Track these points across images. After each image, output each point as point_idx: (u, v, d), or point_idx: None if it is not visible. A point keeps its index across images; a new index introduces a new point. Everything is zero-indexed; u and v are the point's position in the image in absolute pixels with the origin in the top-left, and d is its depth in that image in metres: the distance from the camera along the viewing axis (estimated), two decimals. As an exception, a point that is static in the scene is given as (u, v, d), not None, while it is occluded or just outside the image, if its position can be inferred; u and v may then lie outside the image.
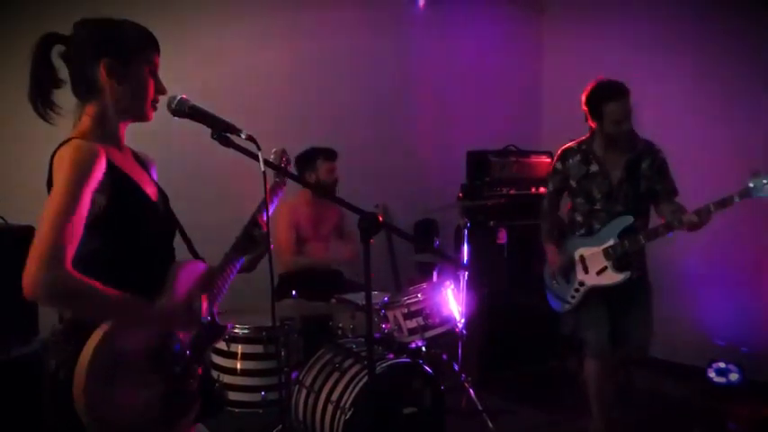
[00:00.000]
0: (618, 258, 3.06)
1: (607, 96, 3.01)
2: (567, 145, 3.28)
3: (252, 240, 1.91)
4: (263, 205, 1.93)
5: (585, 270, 3.15)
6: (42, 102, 1.58)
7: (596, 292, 3.14)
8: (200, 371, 1.70)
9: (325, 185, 3.76)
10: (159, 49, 1.69)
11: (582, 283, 3.16)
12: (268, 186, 1.73)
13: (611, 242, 3.07)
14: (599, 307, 3.13)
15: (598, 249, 3.10)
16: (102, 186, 1.51)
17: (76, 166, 1.46)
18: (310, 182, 3.71)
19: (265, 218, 1.89)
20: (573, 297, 3.19)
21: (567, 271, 3.21)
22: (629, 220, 3.05)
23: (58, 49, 1.60)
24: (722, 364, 4.16)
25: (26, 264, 1.37)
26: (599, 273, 3.11)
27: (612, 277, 3.07)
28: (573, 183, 3.21)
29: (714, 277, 4.41)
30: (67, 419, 1.45)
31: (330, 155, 3.88)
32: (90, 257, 1.49)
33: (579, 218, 3.21)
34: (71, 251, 1.41)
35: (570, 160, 3.22)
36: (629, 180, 3.09)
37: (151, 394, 1.55)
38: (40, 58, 1.58)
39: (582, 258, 3.16)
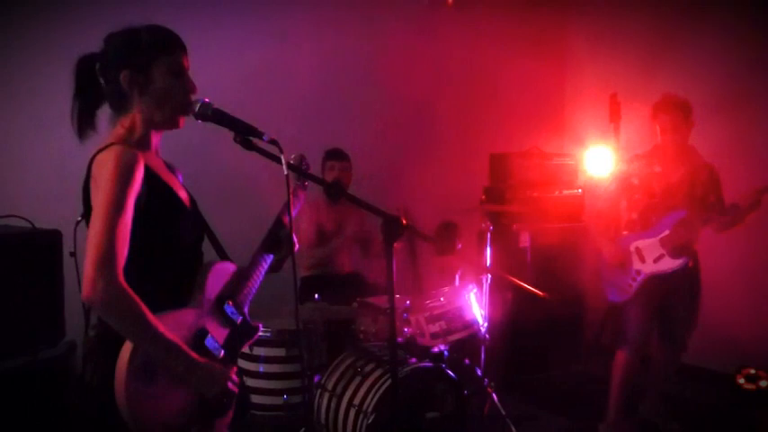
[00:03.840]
0: (675, 246, 3.28)
1: (661, 106, 3.37)
2: (636, 153, 3.60)
3: (278, 241, 1.94)
4: (287, 207, 1.94)
5: (642, 260, 3.35)
6: (86, 122, 1.64)
7: (650, 285, 3.32)
8: (234, 369, 1.72)
9: (339, 185, 3.77)
10: (184, 48, 1.68)
11: (639, 272, 3.35)
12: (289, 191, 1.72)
13: (666, 232, 3.29)
14: (649, 303, 3.34)
15: (655, 239, 3.33)
16: (140, 191, 1.55)
17: (120, 173, 1.49)
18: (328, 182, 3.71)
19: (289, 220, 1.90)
20: (630, 286, 3.37)
21: (624, 266, 3.40)
22: (683, 213, 3.28)
23: (98, 65, 1.64)
24: (752, 371, 4.08)
25: (85, 270, 1.41)
26: (656, 260, 3.32)
27: (671, 263, 3.29)
28: (635, 180, 3.45)
29: (744, 281, 4.32)
30: (100, 422, 1.48)
31: (333, 154, 3.92)
32: (126, 259, 1.51)
33: (635, 215, 3.46)
34: (123, 256, 1.46)
35: (636, 163, 3.50)
36: (689, 182, 3.35)
37: (189, 393, 1.57)
38: (80, 79, 1.63)
39: (637, 249, 3.37)
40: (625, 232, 3.49)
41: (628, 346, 3.34)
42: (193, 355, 1.56)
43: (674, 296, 3.37)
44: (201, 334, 1.65)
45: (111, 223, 1.44)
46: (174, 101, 1.65)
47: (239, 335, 1.79)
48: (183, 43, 1.68)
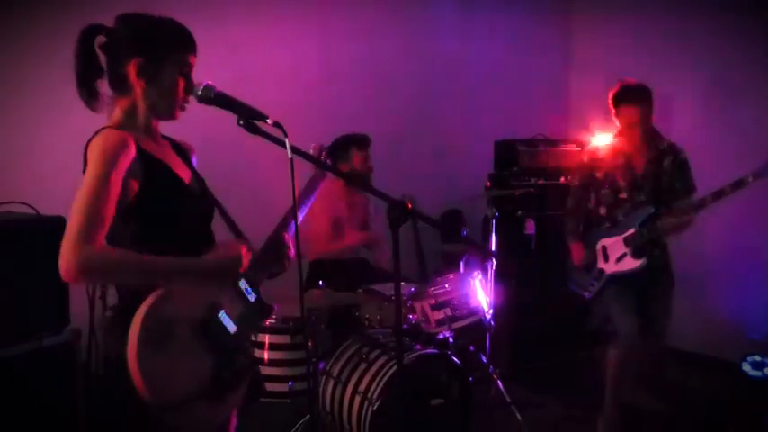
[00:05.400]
0: (637, 246, 3.20)
1: (624, 99, 3.17)
2: (597, 143, 3.48)
3: (276, 257, 1.87)
4: (286, 219, 1.95)
5: (606, 259, 3.31)
6: (87, 91, 1.61)
7: (622, 282, 3.26)
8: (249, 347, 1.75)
9: (360, 175, 3.69)
10: (196, 49, 1.68)
11: (602, 272, 3.33)
12: (308, 178, 1.71)
13: (631, 231, 3.20)
14: (628, 298, 3.25)
15: (619, 238, 3.25)
16: (133, 172, 1.54)
17: (104, 153, 1.50)
18: (344, 172, 3.64)
19: (293, 225, 1.89)
20: (593, 285, 3.37)
21: (590, 265, 3.39)
22: (650, 210, 3.17)
23: (100, 39, 1.62)
24: (758, 358, 4.06)
25: (60, 249, 1.41)
26: (618, 260, 3.26)
27: (631, 263, 3.21)
28: (599, 174, 3.36)
29: (749, 268, 4.30)
30: (120, 405, 1.50)
31: (362, 144, 3.78)
32: (128, 243, 1.52)
33: (603, 210, 3.36)
34: (102, 231, 1.45)
35: (598, 154, 3.41)
36: (653, 174, 3.23)
37: (201, 365, 1.57)
38: (82, 48, 1.60)
39: (603, 248, 3.33)
40: (598, 228, 3.40)
41: (619, 343, 3.24)
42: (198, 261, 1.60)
43: (649, 292, 3.28)
44: (215, 307, 1.64)
45: (89, 202, 1.45)
46: (176, 99, 1.66)
47: (253, 313, 1.77)
48: (195, 44, 1.68)
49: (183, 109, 1.69)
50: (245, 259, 1.71)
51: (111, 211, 1.48)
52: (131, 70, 1.59)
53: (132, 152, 1.54)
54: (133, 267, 1.48)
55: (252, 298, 1.77)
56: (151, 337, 1.46)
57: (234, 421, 1.88)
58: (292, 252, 1.89)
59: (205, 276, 1.61)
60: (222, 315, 1.66)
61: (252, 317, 1.77)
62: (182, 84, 1.66)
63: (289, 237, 1.91)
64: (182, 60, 1.65)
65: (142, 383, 1.43)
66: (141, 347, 1.44)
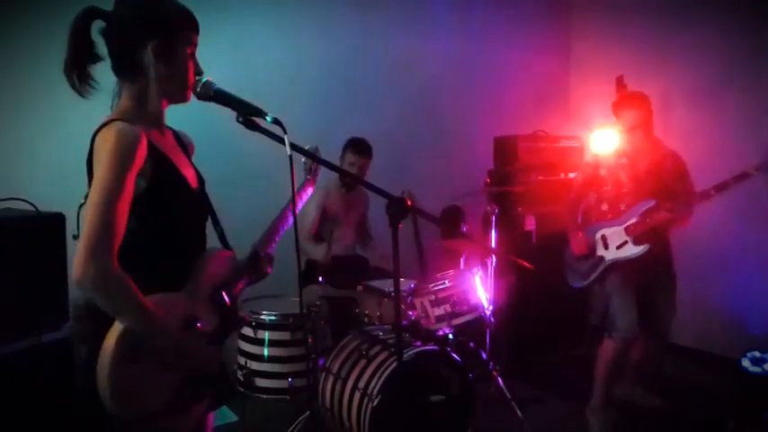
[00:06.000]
0: (639, 234, 3.28)
1: (623, 105, 3.38)
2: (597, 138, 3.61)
3: (255, 269, 1.88)
4: (271, 234, 1.97)
5: (605, 246, 3.39)
6: (79, 75, 1.54)
7: (624, 275, 3.31)
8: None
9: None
10: (199, 28, 1.64)
11: (601, 259, 3.40)
12: (296, 184, 1.69)
13: (633, 220, 3.30)
14: (630, 292, 3.30)
15: (620, 228, 3.35)
16: (143, 170, 1.50)
17: (120, 152, 1.44)
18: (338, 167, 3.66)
19: (276, 237, 1.95)
20: (590, 272, 3.44)
21: (589, 254, 3.47)
22: (652, 202, 3.26)
23: (97, 24, 1.57)
24: (757, 353, 4.06)
25: (77, 251, 1.37)
26: (619, 247, 3.34)
27: (632, 249, 3.30)
28: (603, 171, 3.48)
29: (749, 263, 4.30)
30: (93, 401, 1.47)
31: (358, 149, 3.84)
32: (125, 239, 1.46)
33: (605, 206, 3.45)
34: (118, 239, 1.42)
35: (602, 154, 3.55)
36: (656, 172, 3.35)
37: (171, 380, 1.55)
38: (80, 32, 1.54)
39: (603, 237, 3.42)
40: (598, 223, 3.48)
41: (617, 335, 3.28)
42: (185, 337, 1.56)
43: (652, 290, 3.37)
44: (191, 321, 1.62)
45: (108, 206, 1.40)
46: (188, 79, 1.62)
47: (227, 325, 1.75)
48: (198, 24, 1.64)
49: (193, 90, 1.64)
50: (212, 364, 1.65)
51: (126, 213, 1.44)
52: (148, 53, 1.54)
53: (145, 149, 1.50)
54: (132, 302, 1.43)
55: (228, 311, 1.74)
56: (125, 354, 1.44)
57: (210, 423, 1.86)
58: (269, 269, 1.89)
59: (179, 355, 1.55)
60: (196, 327, 1.63)
61: (224, 329, 1.74)
62: (191, 64, 1.62)
63: (265, 254, 1.90)
64: (189, 39, 1.61)
65: (110, 398, 1.42)
66: (114, 364, 1.42)
